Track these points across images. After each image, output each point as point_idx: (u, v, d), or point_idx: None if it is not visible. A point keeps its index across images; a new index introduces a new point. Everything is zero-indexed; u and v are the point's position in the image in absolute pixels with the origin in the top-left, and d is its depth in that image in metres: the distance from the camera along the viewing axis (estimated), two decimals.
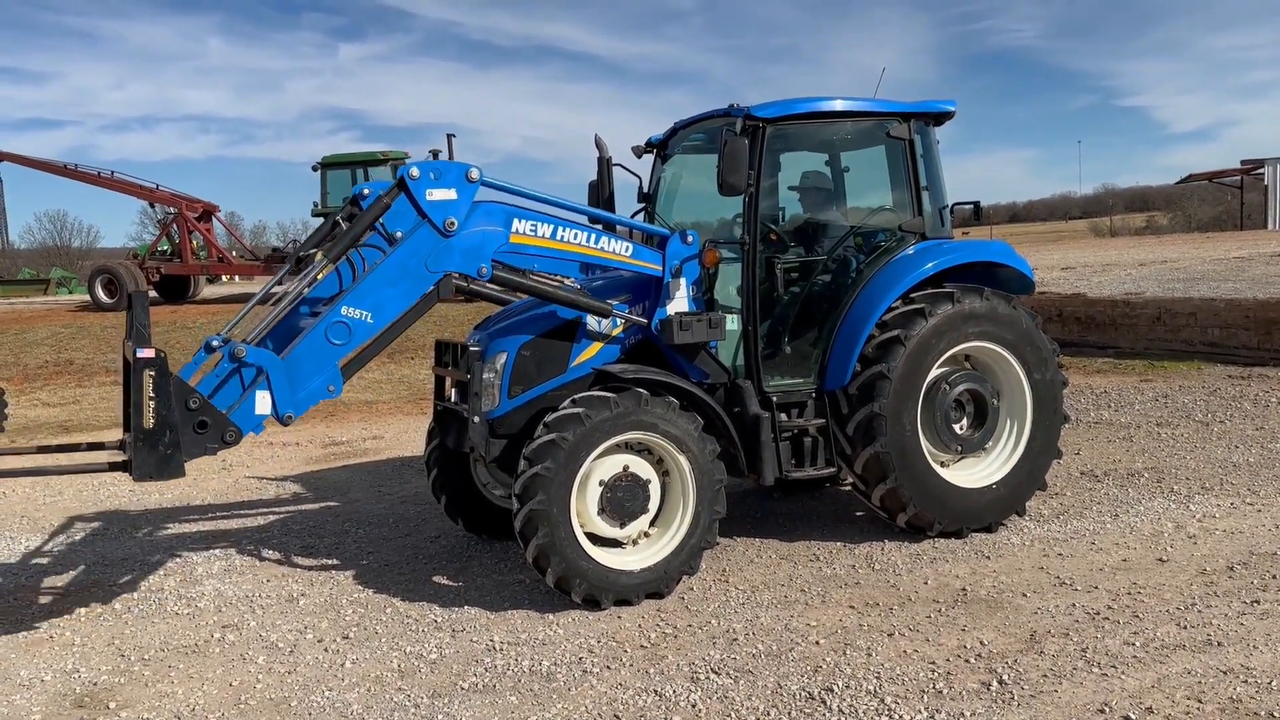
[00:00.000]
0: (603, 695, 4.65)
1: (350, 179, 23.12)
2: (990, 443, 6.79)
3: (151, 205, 25.28)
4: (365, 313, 5.44)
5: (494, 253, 5.73)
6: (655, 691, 4.65)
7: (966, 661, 4.81)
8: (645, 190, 7.38)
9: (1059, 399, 6.83)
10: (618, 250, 6.06)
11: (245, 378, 5.27)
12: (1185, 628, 5.05)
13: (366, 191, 5.80)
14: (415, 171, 5.53)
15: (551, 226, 5.87)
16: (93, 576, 6.86)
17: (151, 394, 4.90)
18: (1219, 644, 4.84)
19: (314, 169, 22.98)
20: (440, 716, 4.54)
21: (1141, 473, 8.01)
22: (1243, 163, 43.42)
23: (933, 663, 4.81)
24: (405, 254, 5.51)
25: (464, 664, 5.07)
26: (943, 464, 6.69)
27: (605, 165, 7.25)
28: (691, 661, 4.95)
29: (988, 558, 6.25)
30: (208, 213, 25.15)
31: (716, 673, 4.82)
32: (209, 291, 27.88)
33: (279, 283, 5.99)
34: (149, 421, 4.91)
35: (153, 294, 25.14)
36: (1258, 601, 5.31)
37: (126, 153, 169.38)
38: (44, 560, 7.29)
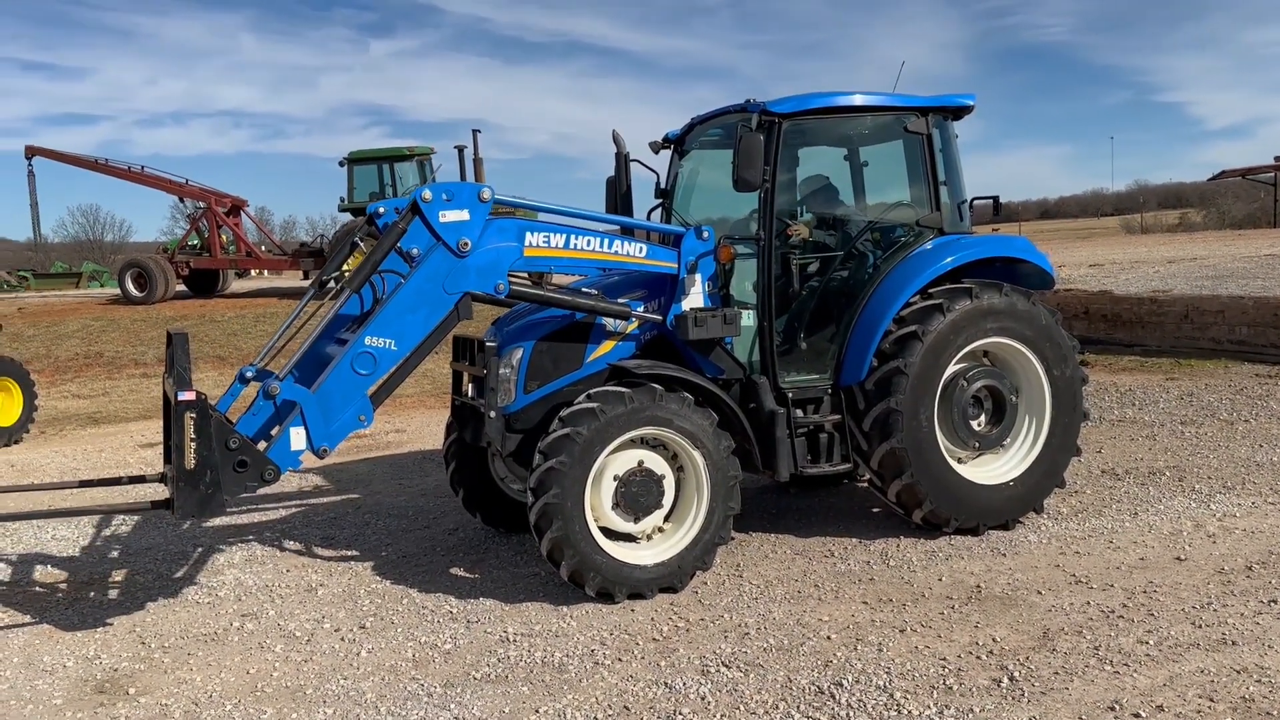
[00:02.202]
0: (613, 687, 4.68)
1: (377, 174, 23.30)
2: (1008, 439, 6.77)
3: (181, 200, 25.54)
4: (389, 341, 5.53)
5: (510, 268, 5.77)
6: (665, 684, 4.68)
7: (978, 658, 4.80)
8: (662, 186, 7.40)
9: (1079, 396, 6.79)
10: (632, 252, 6.09)
11: (280, 414, 5.39)
12: (1200, 627, 5.01)
13: (381, 210, 5.86)
14: (428, 194, 5.59)
15: (565, 236, 5.92)
16: (117, 566, 6.97)
17: (193, 435, 5.07)
18: (1233, 643, 4.80)
19: (341, 164, 23.16)
20: (453, 705, 4.59)
21: (1163, 471, 7.94)
22: (1276, 159, 42.84)
23: (944, 659, 4.81)
24: (422, 279, 5.58)
25: (477, 654, 5.12)
26: (960, 460, 6.68)
27: (623, 161, 7.28)
28: (702, 655, 4.97)
29: (1003, 555, 6.23)
30: (236, 207, 25.39)
31: (727, 666, 4.84)
32: (237, 285, 28.14)
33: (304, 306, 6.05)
34: (190, 462, 5.05)
35: (181, 287, 25.44)
36: (1275, 601, 5.26)
37: (160, 147, 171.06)
38: (71, 550, 7.41)
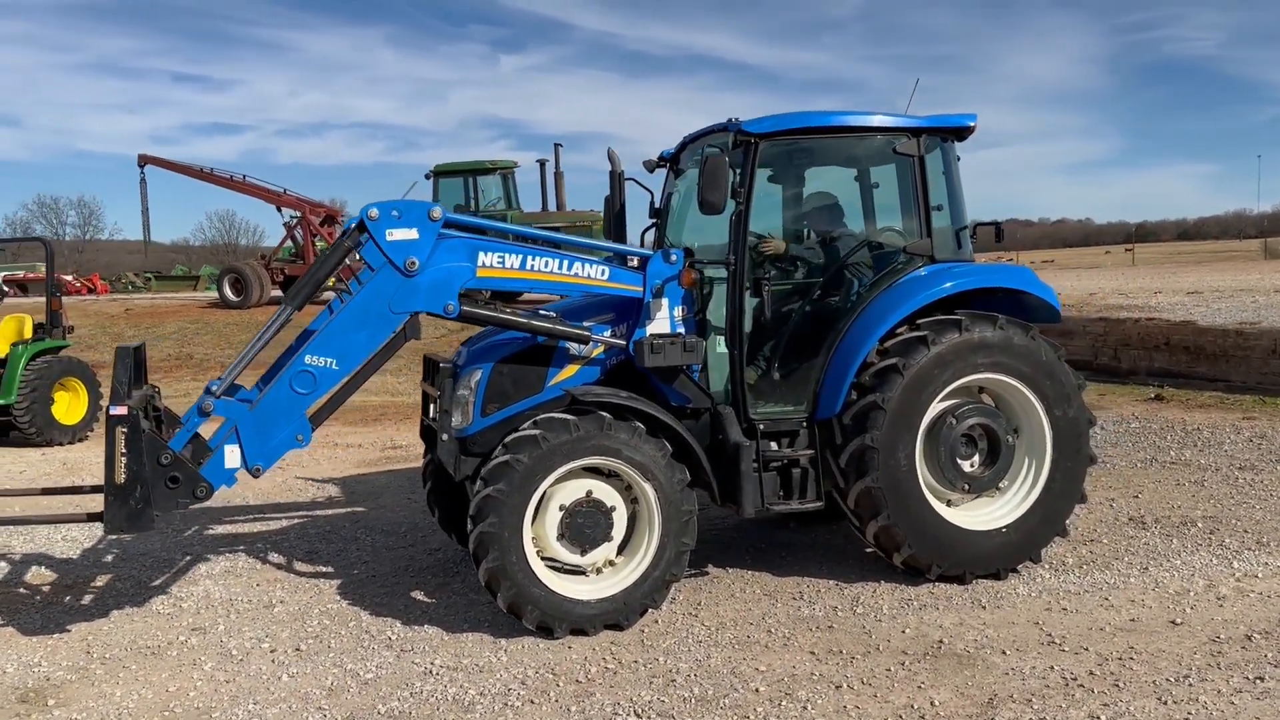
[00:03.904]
0: None
1: (462, 187, 23.57)
2: (1005, 482, 6.33)
3: (278, 209, 26.31)
4: (330, 360, 5.44)
5: (462, 288, 5.63)
6: None
7: None
8: (657, 205, 7.19)
9: (1084, 438, 6.30)
10: (593, 275, 5.88)
11: (216, 432, 5.36)
12: (1165, 703, 4.54)
13: (352, 228, 5.79)
14: (375, 212, 5.48)
15: (520, 256, 5.74)
16: (104, 571, 7.09)
17: (123, 450, 5.06)
18: None
19: (426, 177, 23.48)
20: None
21: (1196, 522, 7.33)
22: None
23: None
24: (367, 297, 5.48)
25: (393, 687, 4.97)
26: (949, 502, 6.27)
27: (618, 180, 7.08)
28: (617, 701, 4.73)
29: (984, 607, 5.80)
30: (330, 217, 26.02)
31: (637, 715, 4.59)
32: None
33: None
34: (120, 476, 5.09)
35: (276, 293, 26.22)
36: (1262, 678, 4.74)
37: (300, 157, 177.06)
38: (73, 552, 7.57)
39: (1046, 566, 6.40)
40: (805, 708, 4.61)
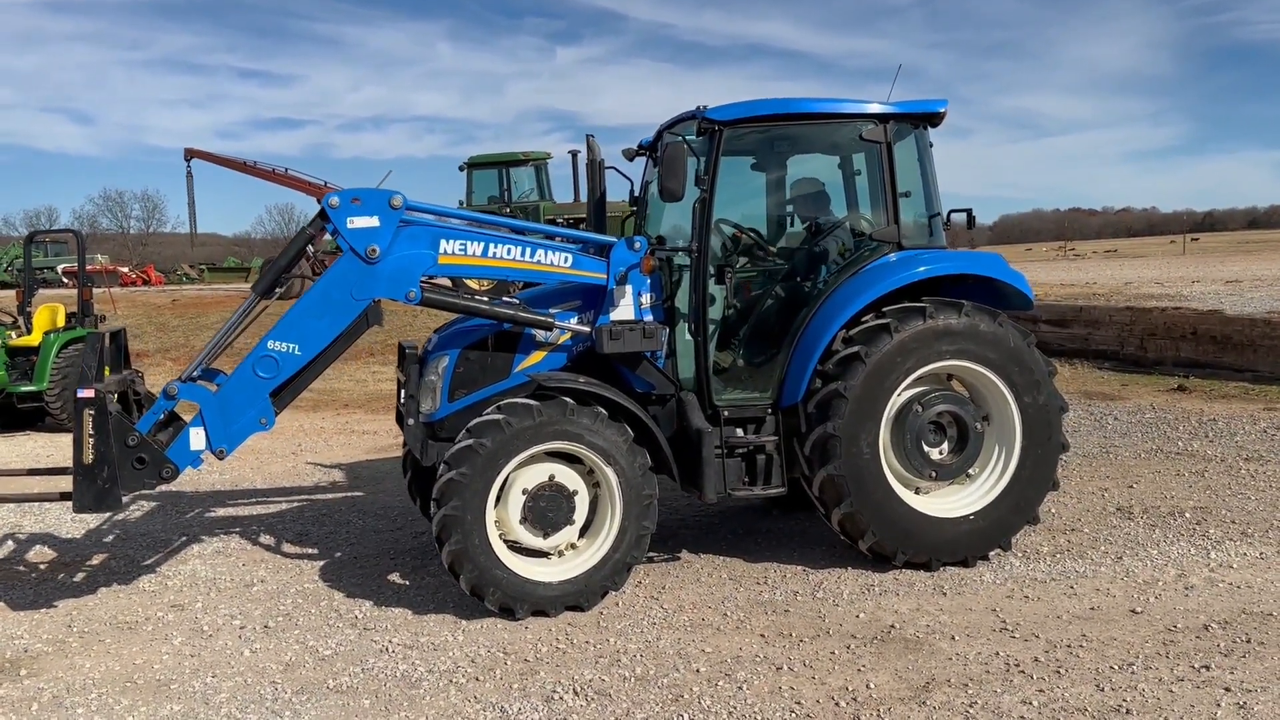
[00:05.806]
0: (449, 708, 4.59)
1: (497, 179, 23.77)
2: (975, 469, 6.30)
3: (319, 201, 26.68)
4: (292, 345, 5.60)
5: (424, 275, 5.74)
6: (501, 708, 4.55)
7: (836, 705, 4.47)
8: (635, 194, 7.24)
9: (1055, 425, 6.25)
10: (556, 262, 5.95)
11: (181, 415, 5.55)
12: (1102, 690, 4.52)
13: (315, 216, 5.94)
14: (335, 201, 5.62)
15: (482, 244, 5.83)
16: (102, 550, 7.32)
17: (91, 431, 5.26)
18: (1127, 713, 4.30)
19: (460, 169, 23.72)
20: (287, 713, 4.60)
21: (1184, 512, 7.22)
22: None
23: (799, 703, 4.50)
24: (328, 284, 5.63)
25: (346, 663, 5.11)
26: (918, 490, 6.26)
27: (598, 168, 7.15)
28: (559, 680, 4.82)
29: (945, 594, 5.80)
30: None
31: (576, 693, 4.67)
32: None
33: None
34: (88, 457, 5.28)
35: None
36: (1207, 668, 4.69)
37: (359, 151, 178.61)
38: (77, 531, 7.83)
39: (1018, 554, 6.37)
40: (741, 688, 4.66)
